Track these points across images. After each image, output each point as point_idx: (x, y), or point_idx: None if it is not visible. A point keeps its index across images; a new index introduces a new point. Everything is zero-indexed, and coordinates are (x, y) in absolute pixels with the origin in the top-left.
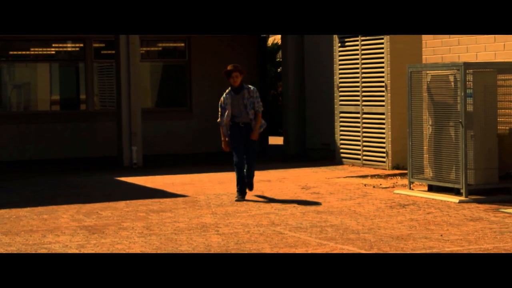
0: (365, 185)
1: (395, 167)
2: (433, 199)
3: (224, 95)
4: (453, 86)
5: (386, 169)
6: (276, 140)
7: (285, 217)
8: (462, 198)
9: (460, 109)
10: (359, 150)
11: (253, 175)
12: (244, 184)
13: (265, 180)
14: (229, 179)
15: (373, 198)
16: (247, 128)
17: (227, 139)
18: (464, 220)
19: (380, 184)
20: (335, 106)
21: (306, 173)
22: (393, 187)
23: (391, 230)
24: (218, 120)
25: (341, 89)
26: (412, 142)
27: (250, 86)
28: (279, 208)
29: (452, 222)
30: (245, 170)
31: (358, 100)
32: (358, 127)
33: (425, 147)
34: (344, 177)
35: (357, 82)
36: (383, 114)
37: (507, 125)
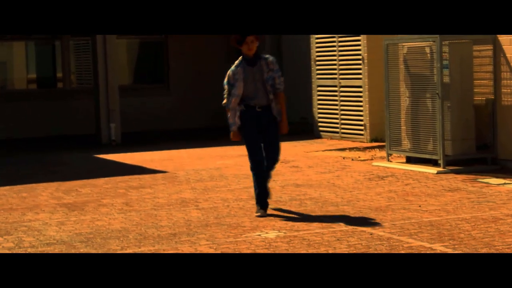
0: (343, 158)
1: (374, 139)
2: (411, 170)
3: (232, 68)
4: (429, 57)
5: (364, 142)
6: None
7: None
8: (440, 169)
9: (436, 80)
10: (337, 123)
11: (268, 179)
12: (265, 194)
13: (244, 155)
14: (208, 154)
15: (351, 171)
16: (266, 113)
17: (234, 128)
18: (442, 190)
19: (359, 157)
20: (312, 80)
21: (285, 147)
22: (372, 159)
23: (370, 202)
24: (224, 102)
25: (318, 63)
26: (390, 114)
27: (267, 55)
28: None
29: (430, 192)
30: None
31: (335, 74)
32: (336, 100)
33: (402, 119)
34: (323, 151)
35: (334, 55)
36: (360, 87)
37: (484, 95)
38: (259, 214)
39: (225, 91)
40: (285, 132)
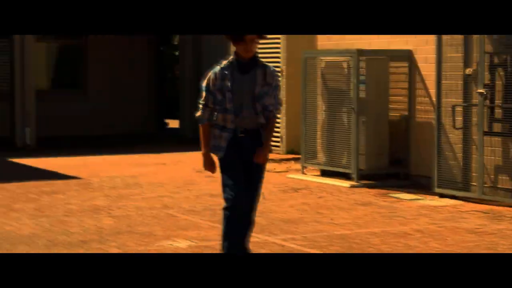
0: None
1: (290, 151)
2: (325, 183)
3: (217, 69)
4: (346, 72)
5: (280, 154)
6: (172, 123)
7: (178, 200)
8: (353, 182)
9: (352, 95)
10: None
11: (251, 226)
12: (242, 250)
13: (160, 163)
14: (124, 161)
15: (266, 182)
16: (251, 142)
17: (219, 154)
18: (354, 204)
19: (274, 169)
20: None
21: (201, 156)
22: (287, 171)
23: (282, 213)
24: (198, 114)
25: None
26: (306, 127)
27: (268, 64)
28: (173, 191)
29: (343, 206)
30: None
31: None
32: None
33: (318, 132)
34: None
35: None
36: None
37: (399, 111)
38: None
39: (202, 99)
40: (261, 162)
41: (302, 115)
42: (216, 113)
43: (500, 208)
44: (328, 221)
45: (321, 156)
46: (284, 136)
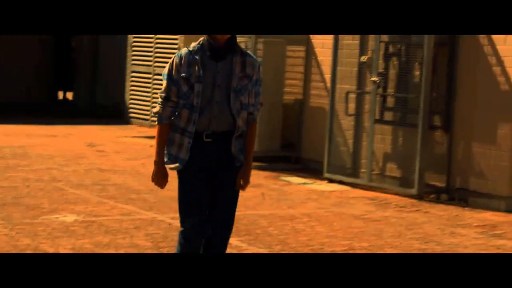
0: (151, 146)
1: None
2: None
3: (183, 51)
4: None
5: None
6: (66, 95)
7: (67, 173)
8: None
9: None
10: (148, 111)
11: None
12: None
13: (51, 135)
14: (13, 131)
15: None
16: (220, 148)
17: (171, 166)
18: None
19: None
20: (127, 65)
21: (94, 130)
22: None
23: (171, 192)
24: (156, 109)
25: (134, 48)
26: None
27: (249, 52)
28: (62, 164)
29: None
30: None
31: (150, 61)
32: (149, 87)
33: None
34: (132, 137)
35: (151, 42)
36: None
37: (293, 95)
38: None
39: (162, 90)
40: (243, 188)
41: None
42: (179, 110)
43: (387, 195)
44: None
45: None
46: None
